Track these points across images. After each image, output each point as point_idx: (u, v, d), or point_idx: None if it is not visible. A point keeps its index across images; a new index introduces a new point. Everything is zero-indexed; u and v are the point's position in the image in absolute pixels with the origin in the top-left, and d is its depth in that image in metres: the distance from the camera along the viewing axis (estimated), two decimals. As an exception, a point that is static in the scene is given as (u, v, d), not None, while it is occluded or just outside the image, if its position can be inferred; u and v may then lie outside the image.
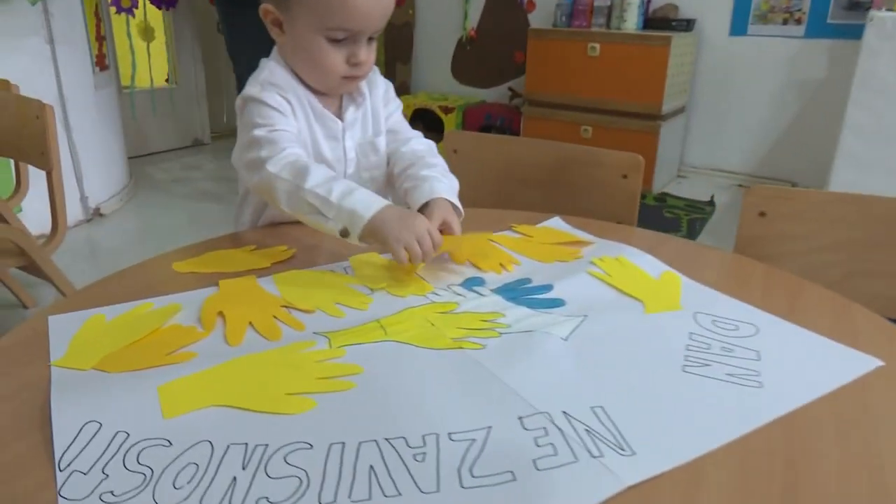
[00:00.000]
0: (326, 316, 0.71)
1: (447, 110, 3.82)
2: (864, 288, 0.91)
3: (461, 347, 0.65)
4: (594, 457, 0.49)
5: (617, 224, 1.06)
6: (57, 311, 0.71)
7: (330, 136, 0.97)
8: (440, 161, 1.00)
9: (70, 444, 0.49)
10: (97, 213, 2.74)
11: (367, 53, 0.91)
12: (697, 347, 0.66)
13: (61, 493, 0.45)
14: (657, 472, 0.48)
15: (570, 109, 3.33)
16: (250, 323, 0.68)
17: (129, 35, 3.60)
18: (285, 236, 0.93)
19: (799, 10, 3.12)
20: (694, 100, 3.49)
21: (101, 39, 2.92)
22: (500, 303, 0.75)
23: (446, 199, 0.90)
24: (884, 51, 2.21)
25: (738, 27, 3.28)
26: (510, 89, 3.95)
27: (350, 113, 0.99)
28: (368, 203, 0.80)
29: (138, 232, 2.73)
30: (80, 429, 0.51)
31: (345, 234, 0.80)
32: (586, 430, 0.53)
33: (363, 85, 1.00)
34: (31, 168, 1.86)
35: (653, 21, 3.31)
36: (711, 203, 3.10)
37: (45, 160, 1.50)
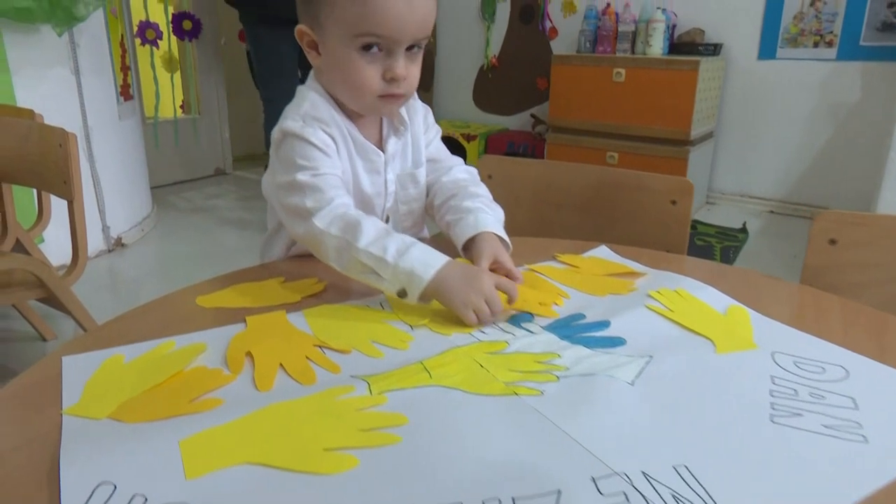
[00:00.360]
0: (364, 356, 0.64)
1: (470, 138, 3.79)
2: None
3: (516, 393, 0.58)
4: (688, 531, 0.42)
5: (667, 253, 0.98)
6: (72, 351, 0.65)
7: (371, 170, 0.90)
8: (484, 190, 0.93)
9: (80, 511, 0.43)
10: (119, 244, 2.72)
11: (407, 68, 0.82)
12: (783, 394, 0.58)
13: (68, 573, 0.38)
14: (766, 550, 0.41)
15: (595, 135, 3.27)
16: (281, 364, 0.62)
17: (153, 66, 3.63)
18: (315, 267, 0.86)
19: (830, 32, 3.05)
20: (722, 125, 3.42)
21: (125, 70, 2.93)
22: (555, 341, 0.68)
23: (494, 234, 0.84)
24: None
25: (767, 51, 3.22)
26: (533, 116, 3.91)
27: (392, 144, 0.91)
28: (427, 262, 0.73)
29: (160, 262, 2.70)
30: (93, 492, 0.44)
31: (402, 294, 0.74)
32: (672, 494, 0.45)
33: (404, 112, 0.92)
34: (52, 197, 1.84)
35: (679, 46, 3.26)
36: (744, 230, 3.01)
37: (68, 189, 1.47)
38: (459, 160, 0.99)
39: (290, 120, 0.85)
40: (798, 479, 0.47)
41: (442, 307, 0.73)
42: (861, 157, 3.06)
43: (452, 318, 0.72)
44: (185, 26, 3.83)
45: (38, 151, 1.55)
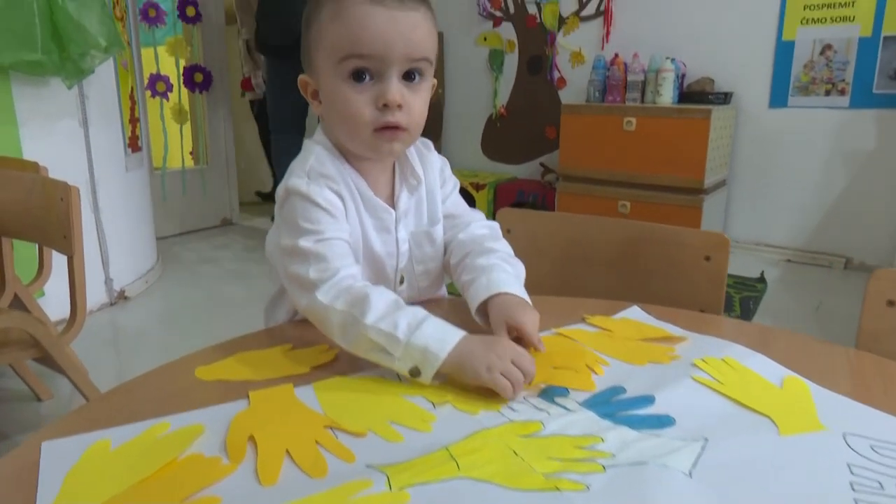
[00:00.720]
0: (381, 440, 0.57)
1: (479, 187, 3.76)
2: None
3: (558, 488, 0.50)
4: None
5: (704, 314, 0.91)
6: (55, 432, 0.58)
7: (381, 228, 0.84)
8: (503, 245, 0.87)
9: None
10: (122, 296, 2.66)
11: (403, 94, 0.75)
12: (866, 487, 0.51)
13: None
14: None
15: (607, 184, 3.24)
16: (288, 451, 0.55)
17: (162, 117, 3.64)
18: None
19: (842, 80, 3.04)
20: (735, 173, 3.38)
21: (134, 122, 2.93)
22: (595, 421, 0.60)
23: (510, 295, 0.77)
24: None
25: (778, 99, 3.20)
26: (542, 165, 3.89)
27: (404, 200, 0.85)
28: (442, 338, 0.66)
29: (163, 315, 2.63)
30: None
31: (415, 373, 0.66)
32: None
33: (417, 165, 0.86)
34: (54, 253, 1.78)
35: (689, 95, 3.25)
36: (762, 279, 2.93)
37: (68, 245, 1.41)
38: (481, 215, 0.93)
39: (296, 177, 0.79)
40: None
41: (464, 387, 0.66)
42: (879, 205, 3.00)
43: (478, 394, 0.64)
44: (197, 79, 3.87)
45: (40, 205, 1.51)
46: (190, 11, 3.75)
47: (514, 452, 0.55)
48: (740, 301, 2.66)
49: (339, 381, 0.68)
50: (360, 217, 0.82)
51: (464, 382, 0.66)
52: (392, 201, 0.85)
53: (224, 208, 4.16)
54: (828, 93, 3.08)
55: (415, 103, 0.77)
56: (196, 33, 3.87)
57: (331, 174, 0.79)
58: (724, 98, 3.18)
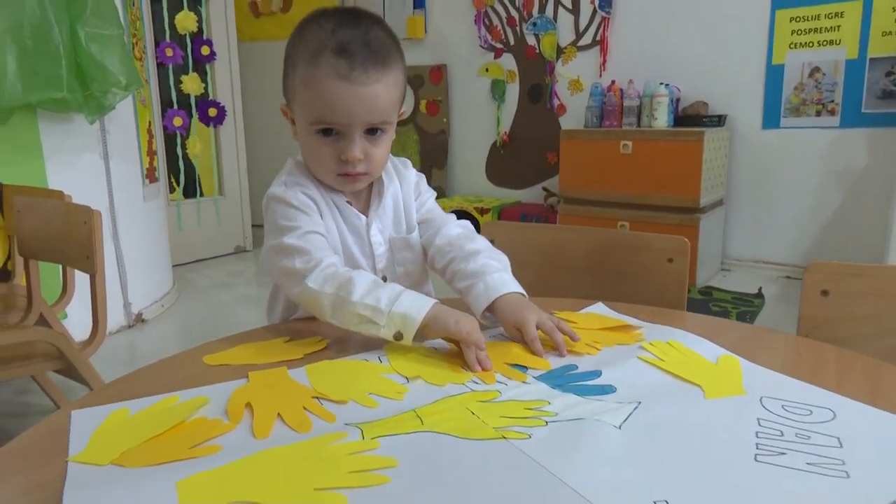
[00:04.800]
0: (359, 406, 0.66)
1: (483, 211, 3.87)
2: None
3: (504, 437, 0.59)
4: (664, 560, 0.43)
5: (663, 309, 1.00)
6: (80, 406, 0.68)
7: (355, 233, 0.95)
8: (481, 242, 0.97)
9: (77, 547, 0.45)
10: (139, 319, 2.78)
11: (364, 149, 0.87)
12: (769, 434, 0.59)
13: None
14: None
15: (606, 206, 3.33)
16: (279, 415, 0.64)
17: (177, 150, 3.80)
18: (319, 327, 0.89)
19: (831, 101, 3.13)
20: (732, 192, 3.47)
21: (152, 154, 3.08)
22: (546, 390, 0.69)
23: (509, 295, 0.86)
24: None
25: (771, 120, 3.30)
26: (545, 189, 4.00)
27: (374, 208, 0.97)
28: (419, 305, 0.78)
29: (179, 337, 2.74)
30: (90, 529, 0.46)
31: (398, 337, 0.78)
32: (652, 528, 0.46)
33: (385, 179, 0.97)
34: (76, 276, 1.91)
35: (684, 118, 3.36)
36: (760, 295, 2.99)
37: (90, 264, 1.53)
38: (452, 217, 1.04)
39: (274, 186, 0.92)
40: (779, 513, 0.48)
41: (436, 361, 0.76)
42: (873, 221, 3.07)
43: (446, 370, 0.74)
44: (211, 113, 4.04)
45: (63, 229, 1.63)
46: (204, 50, 3.93)
47: (472, 413, 0.64)
48: (737, 315, 2.72)
49: (327, 364, 0.77)
50: (336, 222, 0.94)
51: (438, 335, 0.77)
52: (366, 208, 0.97)
53: (237, 237, 4.29)
54: (818, 113, 3.17)
55: (375, 153, 0.89)
56: (210, 70, 4.06)
57: (304, 183, 0.92)
58: (719, 120, 3.28)
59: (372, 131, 0.87)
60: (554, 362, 0.77)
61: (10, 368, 1.48)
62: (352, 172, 0.88)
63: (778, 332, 0.87)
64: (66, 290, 1.94)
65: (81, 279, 1.66)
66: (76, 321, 2.24)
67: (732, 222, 3.50)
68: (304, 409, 0.66)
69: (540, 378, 0.73)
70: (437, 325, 0.77)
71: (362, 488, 0.51)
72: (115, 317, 2.65)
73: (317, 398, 0.68)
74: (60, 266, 1.96)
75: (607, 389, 0.69)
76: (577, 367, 0.75)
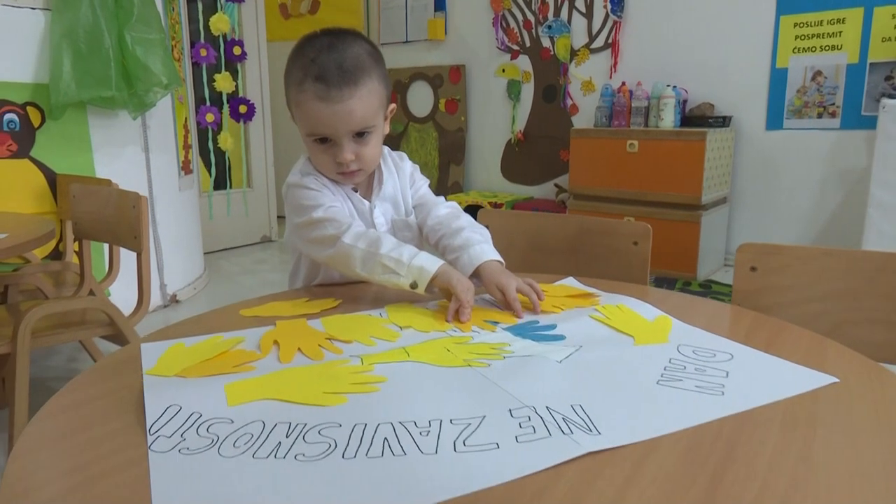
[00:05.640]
0: (361, 345, 0.85)
1: (497, 206, 4.05)
2: (855, 336, 0.99)
3: (469, 365, 0.77)
4: (565, 434, 0.61)
5: (626, 283, 1.17)
6: (147, 341, 0.88)
7: (360, 215, 1.14)
8: (466, 219, 1.15)
9: (158, 418, 0.64)
10: (174, 300, 3.01)
11: (355, 151, 1.04)
12: (674, 368, 0.77)
13: (151, 448, 0.59)
14: (616, 445, 0.59)
15: (613, 202, 3.49)
16: (299, 348, 0.83)
17: (209, 144, 4.03)
18: (333, 291, 1.09)
19: (832, 104, 3.25)
20: (736, 190, 3.60)
21: (187, 148, 3.31)
22: (509, 337, 0.88)
23: (489, 262, 1.04)
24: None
25: (774, 122, 3.43)
26: (556, 185, 4.16)
27: (375, 194, 1.16)
28: (432, 261, 0.99)
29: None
30: (166, 409, 0.66)
31: (413, 286, 0.98)
32: (563, 418, 0.64)
33: (385, 171, 1.16)
34: (120, 256, 2.13)
35: (690, 119, 3.50)
36: (757, 289, 3.12)
37: (138, 243, 1.74)
38: (442, 199, 1.23)
39: (292, 176, 1.12)
40: (661, 412, 0.65)
41: (425, 315, 0.95)
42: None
43: (432, 321, 0.93)
44: (241, 110, 4.27)
45: (114, 213, 1.85)
46: (236, 50, 4.17)
47: (448, 350, 0.82)
48: (733, 307, 2.86)
49: (339, 317, 0.97)
50: (346, 205, 1.13)
51: (442, 286, 0.97)
52: (369, 194, 1.16)
53: (264, 227, 4.53)
54: (820, 115, 3.29)
55: (366, 152, 1.07)
56: (241, 69, 4.29)
57: (316, 173, 1.11)
58: (724, 121, 3.42)
59: (360, 134, 1.06)
60: (520, 319, 0.95)
61: (68, 332, 1.70)
62: (347, 171, 1.08)
63: (711, 300, 1.04)
64: (111, 269, 2.17)
65: (124, 261, 1.88)
66: (117, 299, 2.47)
67: (736, 219, 3.63)
68: (319, 345, 0.85)
69: (506, 329, 0.91)
70: (443, 277, 0.97)
71: (359, 394, 0.70)
72: (152, 296, 2.88)
73: (329, 339, 0.87)
74: (107, 248, 2.19)
75: (558, 338, 0.87)
76: (538, 322, 0.93)
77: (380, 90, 1.06)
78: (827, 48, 3.22)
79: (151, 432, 0.62)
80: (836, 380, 0.72)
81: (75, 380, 0.76)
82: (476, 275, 1.05)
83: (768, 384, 0.72)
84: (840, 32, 3.17)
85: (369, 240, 1.02)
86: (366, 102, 1.03)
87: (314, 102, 1.01)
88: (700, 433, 0.62)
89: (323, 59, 1.01)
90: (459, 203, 1.19)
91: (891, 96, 3.00)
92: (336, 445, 0.59)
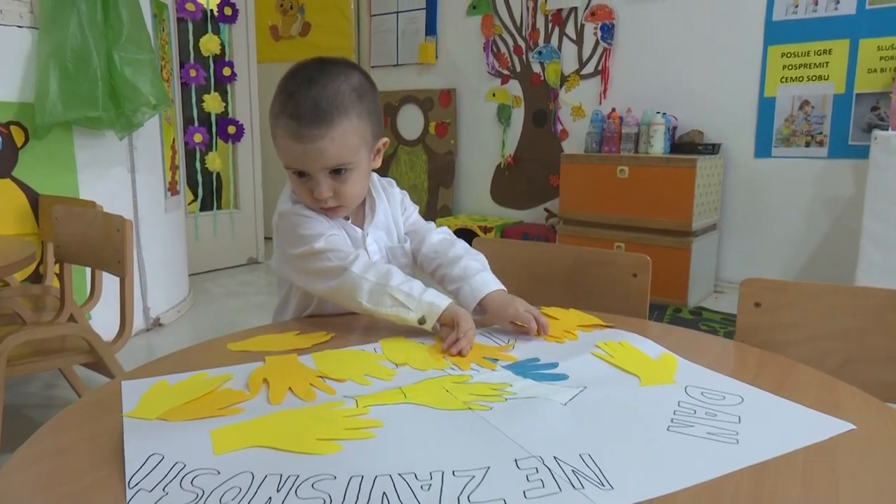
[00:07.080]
0: (355, 384, 0.81)
1: (486, 230, 4.02)
2: (863, 375, 0.97)
3: (470, 408, 0.74)
4: (576, 489, 0.57)
5: (630, 318, 1.14)
6: (129, 378, 0.83)
7: (354, 242, 1.10)
8: (461, 246, 1.13)
9: (138, 470, 0.60)
10: (157, 323, 2.94)
11: (332, 187, 1.01)
12: (684, 412, 0.73)
13: (130, 504, 0.55)
14: (631, 502, 0.55)
15: (603, 227, 3.48)
16: (290, 388, 0.79)
17: (196, 165, 3.99)
18: (324, 324, 1.05)
19: (820, 133, 3.27)
20: (726, 217, 3.61)
21: (174, 169, 3.27)
22: (509, 376, 0.84)
23: (493, 293, 1.03)
24: (891, 165, 2.37)
25: (763, 150, 3.45)
26: (546, 210, 4.15)
27: (368, 222, 1.13)
28: (441, 298, 0.97)
29: (193, 341, 2.89)
30: (147, 458, 0.61)
31: (422, 322, 0.95)
32: (573, 470, 0.60)
33: (376, 199, 1.13)
34: (103, 280, 2.07)
35: (679, 146, 3.51)
36: (748, 317, 3.11)
37: (121, 268, 1.70)
38: (433, 225, 1.20)
39: (282, 203, 1.08)
40: (675, 463, 0.62)
41: (422, 351, 0.91)
42: (858, 247, 3.19)
43: (429, 359, 0.89)
44: (230, 130, 4.24)
45: (98, 236, 1.80)
46: (226, 71, 4.14)
47: (446, 391, 0.79)
48: (724, 335, 2.85)
49: (330, 353, 0.92)
50: (342, 234, 1.09)
51: (447, 322, 0.95)
52: (362, 222, 1.13)
53: (251, 248, 4.47)
54: (808, 144, 3.32)
55: (344, 189, 1.03)
56: (231, 90, 4.26)
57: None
58: (713, 149, 3.44)
59: (337, 171, 1.01)
60: (519, 356, 0.91)
61: (46, 360, 1.64)
62: (325, 207, 1.04)
63: (715, 337, 1.01)
64: (93, 293, 2.11)
65: (106, 285, 1.82)
66: (100, 324, 2.40)
67: (726, 246, 3.63)
68: (311, 385, 0.81)
69: (506, 367, 0.87)
70: (450, 313, 0.94)
71: (354, 440, 0.66)
72: (134, 320, 2.81)
73: (321, 377, 0.83)
74: (88, 271, 2.13)
75: (561, 377, 0.84)
76: (539, 360, 0.90)
77: (360, 127, 1.01)
78: (814, 78, 3.26)
79: (131, 486, 0.57)
80: (853, 427, 0.69)
81: (53, 420, 0.71)
82: (481, 305, 1.03)
83: (784, 431, 0.69)
84: (827, 63, 3.21)
85: (379, 272, 0.99)
86: (339, 143, 0.98)
87: (286, 139, 0.99)
88: (718, 487, 0.58)
89: (300, 96, 0.97)
90: (449, 227, 1.16)
91: (879, 127, 3.03)
92: (331, 501, 0.55)
